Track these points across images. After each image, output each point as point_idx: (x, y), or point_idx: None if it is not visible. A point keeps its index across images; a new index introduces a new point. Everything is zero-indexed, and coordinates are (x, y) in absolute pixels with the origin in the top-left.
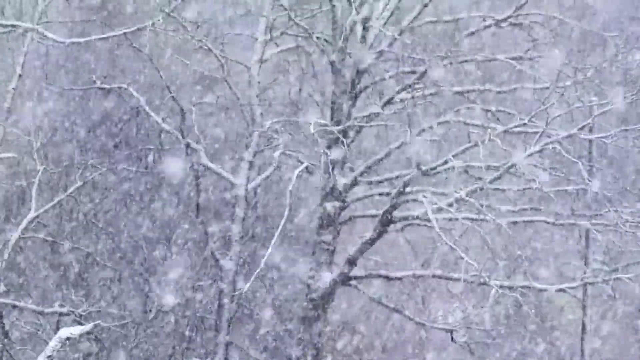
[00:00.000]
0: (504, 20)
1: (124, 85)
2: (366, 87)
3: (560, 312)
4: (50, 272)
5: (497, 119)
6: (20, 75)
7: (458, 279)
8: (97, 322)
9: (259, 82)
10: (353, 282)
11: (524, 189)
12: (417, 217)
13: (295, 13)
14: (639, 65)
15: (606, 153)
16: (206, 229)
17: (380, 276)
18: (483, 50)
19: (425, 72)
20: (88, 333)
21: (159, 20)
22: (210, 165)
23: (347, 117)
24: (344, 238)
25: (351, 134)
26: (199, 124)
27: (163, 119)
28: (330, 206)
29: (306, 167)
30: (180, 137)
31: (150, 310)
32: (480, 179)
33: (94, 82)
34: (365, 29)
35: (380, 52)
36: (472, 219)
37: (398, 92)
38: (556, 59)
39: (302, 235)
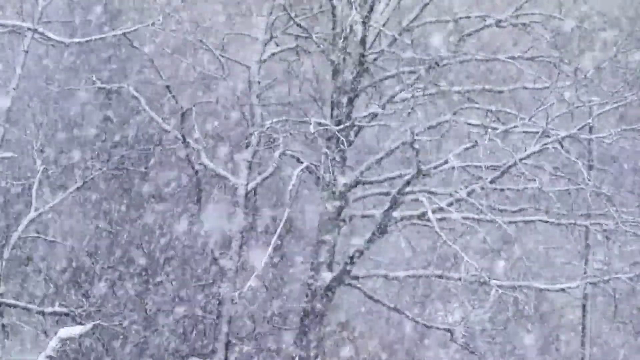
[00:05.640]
0: (504, 20)
1: (124, 85)
2: (366, 87)
3: (560, 312)
4: (50, 272)
5: (497, 119)
6: (20, 75)
7: (458, 279)
8: (97, 322)
9: (259, 82)
10: (353, 282)
11: (524, 188)
12: (417, 217)
13: (295, 13)
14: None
15: (606, 153)
16: (206, 229)
17: (380, 276)
18: (483, 50)
19: (425, 72)
20: (88, 333)
21: (159, 20)
22: (210, 165)
23: (347, 117)
24: (344, 238)
25: (351, 134)
26: (199, 124)
27: (163, 119)
28: (330, 206)
29: (306, 167)
30: (180, 137)
31: (150, 310)
32: (480, 179)
33: (94, 82)
34: (365, 29)
35: (381, 52)
36: (472, 219)
37: (398, 92)
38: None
39: (302, 235)
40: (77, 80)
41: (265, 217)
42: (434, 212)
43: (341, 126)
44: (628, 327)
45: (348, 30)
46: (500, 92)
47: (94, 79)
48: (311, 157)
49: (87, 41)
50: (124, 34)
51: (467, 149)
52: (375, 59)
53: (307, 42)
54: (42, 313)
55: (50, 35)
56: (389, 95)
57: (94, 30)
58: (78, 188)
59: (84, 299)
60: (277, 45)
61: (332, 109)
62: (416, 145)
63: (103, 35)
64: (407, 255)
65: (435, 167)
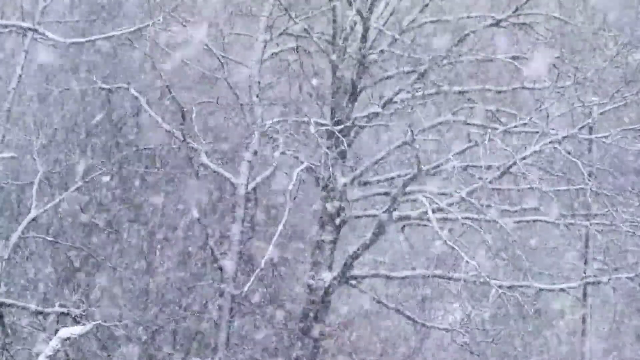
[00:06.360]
0: (504, 20)
1: (125, 85)
2: (366, 87)
3: (560, 312)
4: (50, 272)
5: (497, 119)
6: (20, 75)
7: (458, 279)
8: (97, 322)
9: (259, 82)
10: (353, 282)
11: (524, 188)
12: (417, 217)
13: (295, 13)
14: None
15: (606, 153)
16: (206, 228)
17: (380, 276)
18: (483, 50)
19: (425, 72)
20: (88, 333)
21: (159, 20)
22: (210, 165)
23: (347, 117)
24: (344, 238)
25: (351, 134)
26: (199, 124)
27: (163, 119)
28: (330, 206)
29: (306, 167)
30: (180, 137)
31: (150, 310)
32: (480, 179)
33: (95, 82)
34: (365, 29)
35: (381, 52)
36: (472, 219)
37: (398, 92)
38: (556, 59)
39: (302, 235)
40: (77, 80)
41: (265, 217)
42: (434, 212)
43: (341, 126)
44: (628, 327)
45: (348, 30)
46: (500, 92)
47: (94, 78)
48: (311, 157)
49: (87, 41)
50: (124, 34)
51: (467, 149)
52: (375, 59)
53: (307, 42)
54: (42, 313)
55: (50, 35)
56: (389, 95)
57: (94, 30)
58: (78, 188)
59: (84, 299)
60: (277, 45)
61: (332, 109)
62: (416, 145)
63: (103, 36)
64: (407, 255)
65: (435, 167)
